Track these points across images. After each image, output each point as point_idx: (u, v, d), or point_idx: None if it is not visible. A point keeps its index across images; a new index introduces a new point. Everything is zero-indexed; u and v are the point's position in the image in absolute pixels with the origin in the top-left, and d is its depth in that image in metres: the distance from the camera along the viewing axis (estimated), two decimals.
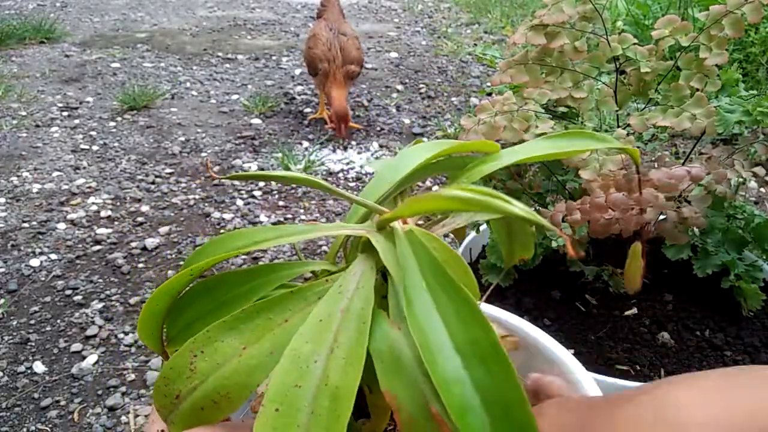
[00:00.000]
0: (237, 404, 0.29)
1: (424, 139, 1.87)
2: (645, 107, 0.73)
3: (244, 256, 1.28)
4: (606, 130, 0.71)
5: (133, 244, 1.35)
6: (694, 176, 0.58)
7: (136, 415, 0.94)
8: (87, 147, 1.80)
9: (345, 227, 0.35)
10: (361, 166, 1.71)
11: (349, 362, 0.27)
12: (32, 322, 1.13)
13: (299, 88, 2.26)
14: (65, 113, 2.02)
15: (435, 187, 1.51)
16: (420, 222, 0.36)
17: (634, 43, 0.71)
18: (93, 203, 1.51)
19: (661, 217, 0.70)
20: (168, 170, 1.68)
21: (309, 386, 0.26)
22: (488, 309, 0.52)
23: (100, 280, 1.24)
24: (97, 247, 1.34)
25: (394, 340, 0.28)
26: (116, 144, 1.83)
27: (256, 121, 1.99)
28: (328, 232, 0.34)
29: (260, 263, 1.26)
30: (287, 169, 1.67)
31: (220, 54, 2.65)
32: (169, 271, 1.27)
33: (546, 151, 0.35)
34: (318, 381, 0.26)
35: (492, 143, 0.37)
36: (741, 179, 0.66)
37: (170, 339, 0.34)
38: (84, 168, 1.68)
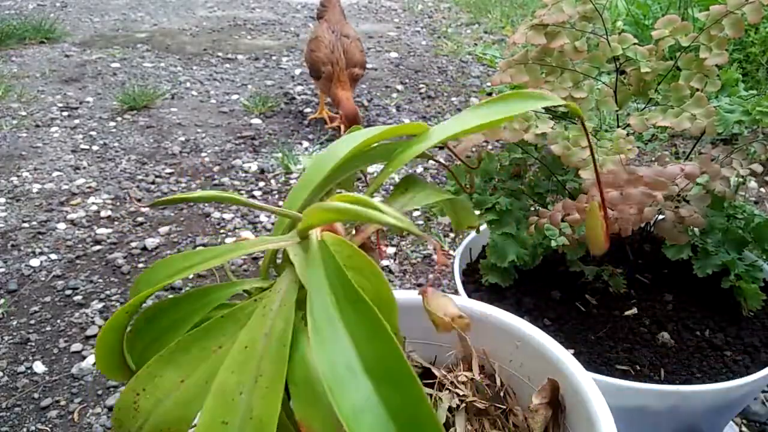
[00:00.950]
0: None
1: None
2: (645, 107, 0.73)
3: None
4: (606, 130, 0.71)
5: (133, 244, 1.35)
6: (688, 173, 0.58)
7: None
8: (87, 147, 1.80)
9: (267, 241, 0.34)
10: None
11: (270, 390, 0.26)
12: (32, 322, 1.13)
13: (299, 88, 2.26)
14: (65, 113, 2.02)
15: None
16: (346, 226, 0.35)
17: (634, 43, 0.71)
18: (93, 203, 1.51)
19: (661, 217, 0.70)
20: (168, 170, 1.68)
21: (235, 421, 0.26)
22: (483, 307, 0.52)
23: (100, 280, 1.24)
24: (97, 247, 1.34)
25: (310, 363, 0.27)
26: (116, 144, 1.83)
27: (256, 121, 1.99)
28: (250, 249, 0.33)
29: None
30: (287, 169, 1.67)
31: (220, 54, 2.65)
32: None
33: (481, 120, 0.33)
34: (243, 414, 0.26)
35: (421, 124, 0.35)
36: (741, 179, 0.66)
37: (137, 365, 0.34)
38: (84, 168, 1.68)
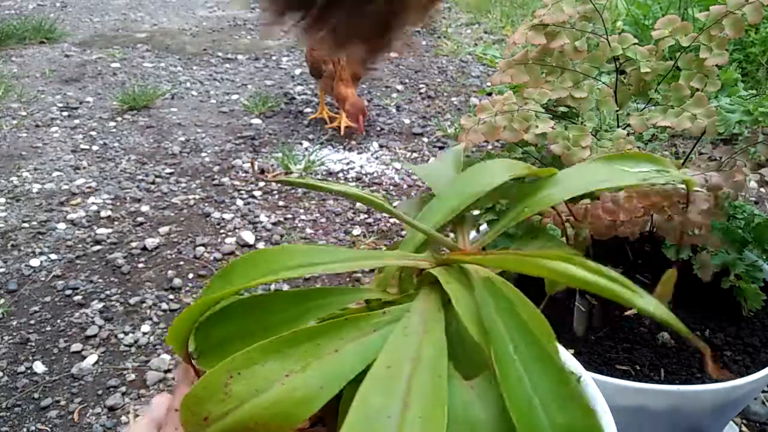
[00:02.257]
0: None
1: (424, 138, 1.87)
2: (645, 107, 0.73)
3: None
4: (606, 130, 0.71)
5: (133, 244, 1.35)
6: (713, 186, 0.58)
7: (136, 415, 0.94)
8: (87, 147, 1.80)
9: (407, 257, 0.32)
10: (361, 167, 1.71)
11: (427, 422, 0.23)
12: (32, 322, 1.13)
13: (299, 88, 2.26)
14: (65, 113, 2.02)
15: None
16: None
17: (634, 43, 0.71)
18: (93, 203, 1.51)
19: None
20: (168, 170, 1.68)
21: None
22: None
23: (100, 280, 1.24)
24: (97, 247, 1.34)
25: (468, 402, 0.25)
26: (116, 144, 1.83)
27: (256, 121, 1.99)
28: (390, 262, 0.31)
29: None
30: (287, 169, 1.67)
31: (220, 54, 2.65)
32: (169, 271, 1.27)
33: (608, 184, 0.33)
34: None
35: (552, 170, 0.35)
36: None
37: (200, 353, 0.31)
38: (84, 168, 1.68)
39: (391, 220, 1.44)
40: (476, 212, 0.75)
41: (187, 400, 0.27)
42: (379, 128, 1.95)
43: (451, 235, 0.35)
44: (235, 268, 0.31)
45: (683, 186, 0.57)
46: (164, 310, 1.16)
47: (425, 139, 1.88)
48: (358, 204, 1.53)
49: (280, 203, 1.53)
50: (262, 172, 1.67)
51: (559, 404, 0.23)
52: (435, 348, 0.26)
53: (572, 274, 0.24)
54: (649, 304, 0.23)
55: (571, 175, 0.34)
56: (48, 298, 1.19)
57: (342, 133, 1.87)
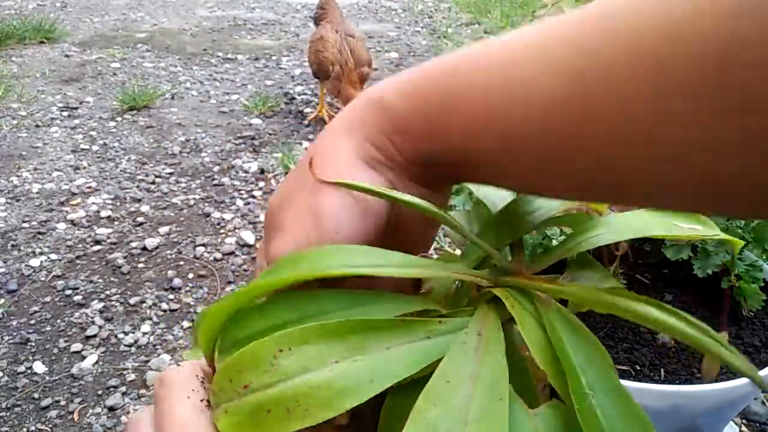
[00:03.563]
0: (311, 421, 0.25)
1: None
2: None
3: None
4: None
5: (133, 244, 1.35)
6: None
7: None
8: (87, 147, 1.80)
9: (468, 272, 0.31)
10: None
11: None
12: (32, 322, 1.13)
13: (299, 88, 2.26)
14: (65, 113, 2.02)
15: None
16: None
17: None
18: (93, 203, 1.51)
19: None
20: (168, 170, 1.68)
21: None
22: None
23: (100, 280, 1.24)
24: (97, 247, 1.34)
25: (531, 429, 0.25)
26: (116, 144, 1.83)
27: (256, 121, 1.99)
28: (448, 274, 0.30)
29: None
30: (287, 169, 1.67)
31: (220, 54, 2.65)
32: (169, 271, 1.27)
33: (655, 232, 0.35)
34: None
35: (601, 206, 0.37)
36: None
37: (221, 351, 0.30)
38: (84, 168, 1.68)
39: None
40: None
41: (227, 366, 0.26)
42: None
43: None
44: (283, 265, 0.30)
45: None
46: (164, 310, 1.16)
47: None
48: None
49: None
50: (263, 171, 1.67)
51: (621, 415, 0.23)
52: (496, 368, 0.26)
53: (656, 317, 0.25)
54: (736, 359, 0.23)
55: (626, 220, 0.36)
56: (48, 298, 1.19)
57: None
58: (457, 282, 0.33)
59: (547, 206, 0.36)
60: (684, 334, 0.24)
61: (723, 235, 0.35)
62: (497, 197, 0.38)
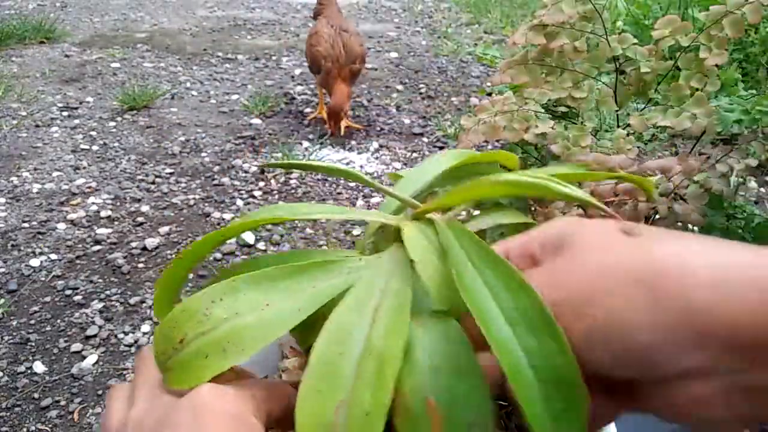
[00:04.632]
0: (246, 355, 0.27)
1: (424, 138, 1.87)
2: (645, 107, 0.73)
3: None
4: (606, 130, 0.71)
5: (133, 244, 1.35)
6: (664, 168, 0.59)
7: None
8: (87, 147, 1.80)
9: (380, 215, 0.37)
10: (361, 166, 1.71)
11: (391, 330, 0.27)
12: (32, 322, 1.13)
13: (299, 88, 2.26)
14: (65, 113, 2.02)
15: None
16: None
17: (634, 43, 0.71)
18: (93, 203, 1.51)
19: (657, 216, 0.70)
20: (168, 170, 1.68)
21: (352, 352, 0.27)
22: None
23: (100, 280, 1.24)
24: (97, 247, 1.34)
25: (435, 338, 0.28)
26: (116, 144, 1.83)
27: (256, 121, 1.99)
28: (366, 217, 0.36)
29: None
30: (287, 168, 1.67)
31: (220, 54, 2.65)
32: None
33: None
34: (362, 346, 0.27)
35: (511, 155, 0.38)
36: (741, 179, 0.66)
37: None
38: (84, 168, 1.68)
39: None
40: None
41: (163, 326, 0.28)
42: (379, 128, 1.95)
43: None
44: (230, 227, 0.35)
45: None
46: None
47: (425, 139, 1.88)
48: (358, 204, 1.54)
49: (280, 203, 1.53)
50: (263, 171, 1.67)
51: (510, 295, 0.26)
52: (401, 281, 0.30)
53: (508, 179, 0.29)
54: (574, 192, 0.26)
55: (544, 170, 0.38)
56: (48, 298, 1.19)
57: (342, 133, 1.87)
58: (380, 230, 0.38)
59: (444, 163, 0.41)
60: (528, 184, 0.28)
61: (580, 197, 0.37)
62: (414, 180, 0.43)
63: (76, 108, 2.07)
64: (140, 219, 1.45)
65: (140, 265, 1.29)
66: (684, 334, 0.22)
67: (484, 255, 0.28)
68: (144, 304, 1.17)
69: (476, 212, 0.40)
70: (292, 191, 1.58)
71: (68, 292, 1.20)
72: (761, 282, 0.21)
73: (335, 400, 0.25)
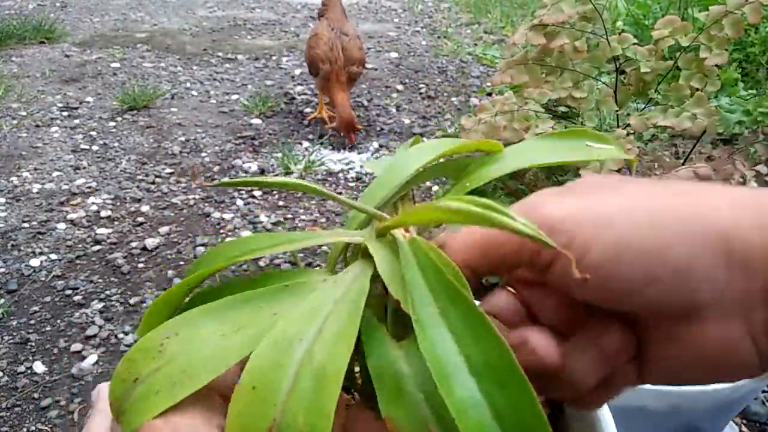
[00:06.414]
0: (196, 387, 0.26)
1: (423, 138, 1.87)
2: (645, 107, 0.73)
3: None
4: (606, 130, 0.71)
5: (133, 244, 1.35)
6: (702, 176, 0.58)
7: None
8: (87, 147, 1.80)
9: (342, 234, 0.34)
10: (361, 166, 1.71)
11: (338, 340, 0.25)
12: (32, 322, 1.13)
13: (299, 88, 2.26)
14: (65, 113, 2.03)
15: (435, 188, 1.51)
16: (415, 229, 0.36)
17: (634, 43, 0.71)
18: (93, 203, 1.51)
19: None
20: (168, 170, 1.68)
21: (290, 364, 0.24)
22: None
23: (100, 280, 1.24)
24: (97, 247, 1.34)
25: (395, 360, 0.26)
26: (116, 144, 1.83)
27: (256, 121, 1.99)
28: (325, 240, 0.33)
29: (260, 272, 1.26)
30: (287, 169, 1.67)
31: (220, 54, 2.65)
32: (169, 271, 1.27)
33: (549, 159, 0.34)
34: (301, 359, 0.24)
35: (494, 143, 0.35)
36: (741, 179, 0.66)
37: None
38: (84, 168, 1.68)
39: None
40: None
41: (120, 369, 0.27)
42: (379, 128, 1.95)
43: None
44: (197, 264, 0.33)
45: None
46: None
47: (424, 138, 1.88)
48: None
49: (280, 203, 1.53)
50: (262, 171, 1.67)
51: (476, 344, 0.24)
52: (356, 292, 0.28)
53: (452, 207, 0.25)
54: (520, 223, 0.24)
55: (515, 151, 0.35)
56: (48, 298, 1.19)
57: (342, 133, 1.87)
58: (347, 248, 0.35)
59: (419, 159, 0.37)
60: (471, 214, 0.25)
61: (618, 150, 0.34)
62: (387, 181, 0.39)
63: (76, 108, 2.07)
64: (140, 219, 1.45)
65: (140, 265, 1.29)
66: (722, 259, 0.22)
67: (449, 291, 0.25)
68: (144, 305, 1.17)
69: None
70: (292, 191, 1.58)
71: (68, 292, 1.20)
72: None
73: (268, 418, 0.23)
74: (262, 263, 1.29)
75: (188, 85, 2.29)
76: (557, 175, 0.77)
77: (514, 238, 0.25)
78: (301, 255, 1.31)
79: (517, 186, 0.76)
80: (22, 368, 1.03)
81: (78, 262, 1.30)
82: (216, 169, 1.69)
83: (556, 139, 0.35)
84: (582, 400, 0.26)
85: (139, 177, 1.64)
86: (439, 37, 2.93)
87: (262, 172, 1.67)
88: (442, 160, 0.37)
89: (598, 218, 0.24)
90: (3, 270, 1.27)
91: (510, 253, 0.26)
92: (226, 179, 0.30)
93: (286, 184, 0.34)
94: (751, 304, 0.22)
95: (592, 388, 0.25)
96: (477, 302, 0.30)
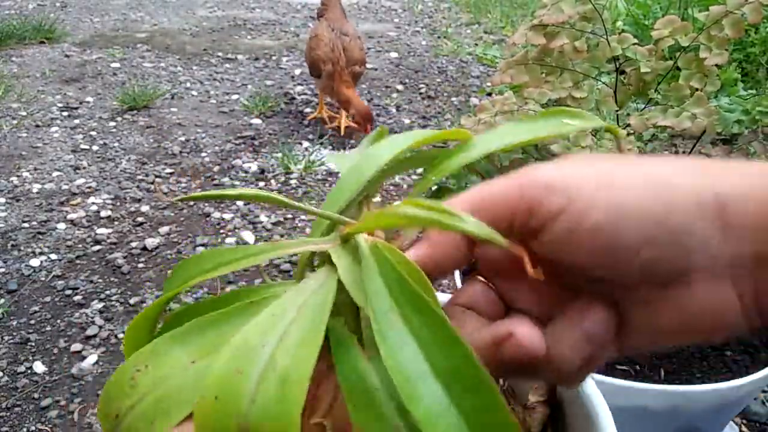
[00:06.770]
0: (174, 420, 0.26)
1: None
2: (645, 107, 0.73)
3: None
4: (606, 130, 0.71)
5: (133, 244, 1.35)
6: None
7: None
8: (87, 147, 1.80)
9: (307, 243, 0.33)
10: None
11: (302, 344, 0.24)
12: (32, 322, 1.13)
13: (299, 88, 2.26)
14: (65, 113, 2.03)
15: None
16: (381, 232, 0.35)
17: (634, 43, 0.71)
18: (93, 203, 1.51)
19: None
20: (168, 170, 1.68)
21: (253, 371, 0.24)
22: None
23: (100, 280, 1.24)
24: (97, 247, 1.34)
25: (364, 371, 0.26)
26: (116, 144, 1.83)
27: (256, 121, 1.99)
28: (292, 250, 0.32)
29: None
30: (287, 169, 1.67)
31: (220, 54, 2.65)
32: (169, 271, 1.27)
33: (528, 135, 0.33)
34: (263, 366, 0.24)
35: (463, 131, 0.35)
36: None
37: None
38: (84, 168, 1.68)
39: None
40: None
41: (100, 401, 0.27)
42: None
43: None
44: (168, 281, 0.33)
45: None
46: (164, 311, 1.16)
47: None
48: None
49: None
50: (262, 171, 1.67)
51: (440, 350, 0.23)
52: (322, 296, 0.27)
53: (405, 213, 0.25)
54: (471, 224, 0.23)
55: (489, 136, 0.34)
56: (48, 298, 1.19)
57: (342, 133, 1.87)
58: (312, 256, 0.34)
59: (385, 154, 0.36)
60: (421, 218, 0.25)
61: (597, 122, 0.33)
62: (347, 162, 0.38)
63: (76, 108, 2.07)
64: (140, 219, 1.45)
65: (140, 265, 1.29)
66: (717, 224, 0.23)
67: (411, 297, 0.25)
68: (144, 305, 1.17)
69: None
70: (292, 191, 1.58)
71: (68, 292, 1.20)
72: None
73: (233, 428, 0.23)
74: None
75: (188, 85, 2.29)
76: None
77: (509, 198, 0.25)
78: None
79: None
80: (22, 368, 1.03)
81: (78, 262, 1.30)
82: (216, 169, 1.69)
83: (531, 121, 0.34)
84: (566, 380, 0.26)
85: (139, 177, 1.64)
86: (439, 37, 2.93)
87: (262, 172, 1.67)
88: (411, 153, 0.36)
89: (599, 179, 0.24)
90: (3, 270, 1.27)
91: (504, 212, 0.26)
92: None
93: (248, 195, 0.34)
94: (741, 269, 0.23)
95: (576, 369, 0.25)
96: (454, 293, 0.29)
